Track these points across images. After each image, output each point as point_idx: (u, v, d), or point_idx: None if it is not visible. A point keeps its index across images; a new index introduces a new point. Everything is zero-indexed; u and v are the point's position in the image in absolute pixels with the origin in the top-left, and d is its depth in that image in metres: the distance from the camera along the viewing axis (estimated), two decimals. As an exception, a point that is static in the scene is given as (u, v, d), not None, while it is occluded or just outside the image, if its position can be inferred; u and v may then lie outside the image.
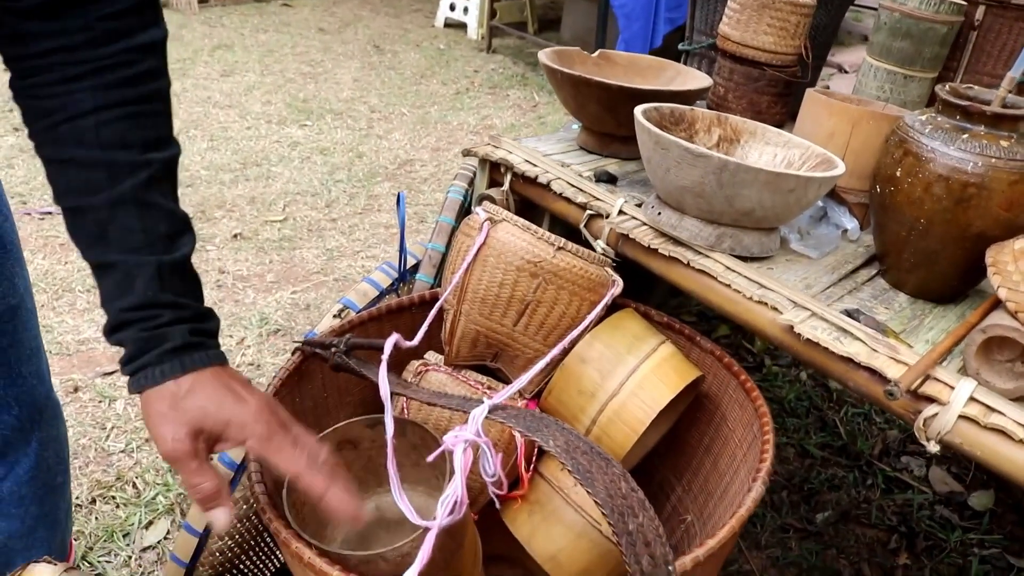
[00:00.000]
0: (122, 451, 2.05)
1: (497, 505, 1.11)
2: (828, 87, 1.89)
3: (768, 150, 1.19)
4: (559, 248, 1.06)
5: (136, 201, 0.77)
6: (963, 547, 1.94)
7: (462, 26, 5.62)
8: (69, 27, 0.72)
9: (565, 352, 1.10)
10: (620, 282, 1.12)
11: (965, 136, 1.02)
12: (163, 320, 0.78)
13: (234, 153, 3.60)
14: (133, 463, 2.02)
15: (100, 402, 2.16)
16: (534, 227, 1.07)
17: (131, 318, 0.78)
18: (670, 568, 0.83)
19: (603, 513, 0.83)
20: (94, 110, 0.74)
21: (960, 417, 0.88)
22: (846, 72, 4.60)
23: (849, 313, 1.03)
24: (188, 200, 3.12)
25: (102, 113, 0.74)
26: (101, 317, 2.42)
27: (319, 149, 3.72)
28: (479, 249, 1.07)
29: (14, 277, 1.04)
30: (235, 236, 2.93)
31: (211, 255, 2.79)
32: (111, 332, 0.79)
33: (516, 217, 1.08)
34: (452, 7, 5.63)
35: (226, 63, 4.72)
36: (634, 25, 3.90)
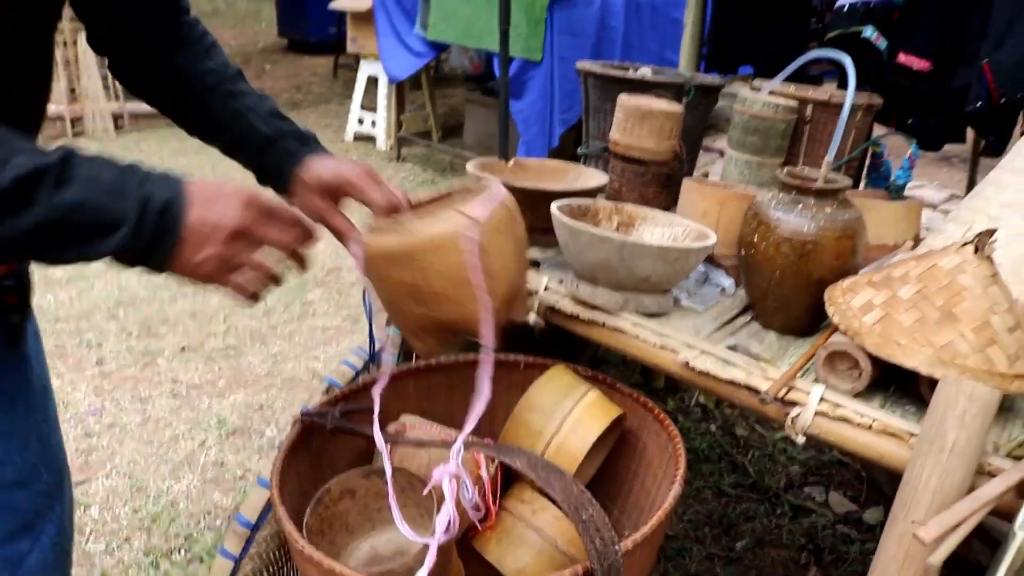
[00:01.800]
0: (103, 551, 2.21)
1: (470, 534, 1.36)
2: (707, 174, 2.25)
3: (657, 229, 1.51)
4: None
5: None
6: (862, 556, 2.24)
7: (371, 139, 5.96)
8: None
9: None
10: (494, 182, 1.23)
11: (800, 207, 1.35)
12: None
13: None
14: (115, 561, 2.18)
15: (76, 509, 2.32)
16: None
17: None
18: (616, 548, 1.09)
19: (562, 509, 1.10)
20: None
21: (816, 413, 1.19)
22: (721, 155, 5.08)
23: (732, 347, 1.34)
24: (131, 318, 3.31)
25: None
26: (70, 426, 2.58)
27: (250, 263, 3.94)
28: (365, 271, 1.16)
29: (44, 360, 1.27)
30: (183, 348, 3.12)
31: (162, 367, 2.98)
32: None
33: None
34: (360, 121, 5.99)
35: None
36: (532, 128, 4.30)
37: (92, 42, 1.21)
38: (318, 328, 3.32)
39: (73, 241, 0.81)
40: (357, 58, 5.98)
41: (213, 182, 0.89)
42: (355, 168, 1.16)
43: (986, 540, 1.32)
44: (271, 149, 1.18)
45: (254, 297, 0.94)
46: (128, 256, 0.84)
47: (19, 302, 1.11)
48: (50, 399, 1.28)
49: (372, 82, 5.79)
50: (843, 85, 1.71)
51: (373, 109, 5.82)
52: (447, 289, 1.07)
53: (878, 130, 2.45)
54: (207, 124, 1.21)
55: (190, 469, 2.45)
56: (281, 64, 8.88)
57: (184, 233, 0.85)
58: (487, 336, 1.09)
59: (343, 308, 3.50)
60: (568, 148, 5.24)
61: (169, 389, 2.85)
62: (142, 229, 0.83)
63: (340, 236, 1.18)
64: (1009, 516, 0.99)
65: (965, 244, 1.23)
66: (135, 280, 3.69)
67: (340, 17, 7.03)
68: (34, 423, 1.19)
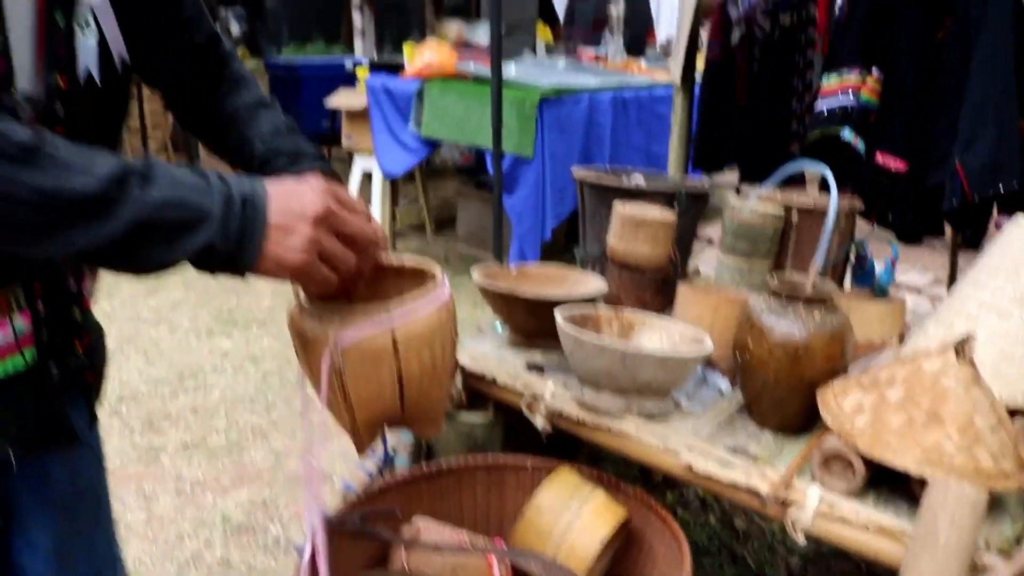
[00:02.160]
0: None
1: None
2: (698, 270, 2.34)
3: (655, 334, 1.59)
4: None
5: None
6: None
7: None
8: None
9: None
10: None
11: (791, 313, 1.44)
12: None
13: (169, 367, 3.86)
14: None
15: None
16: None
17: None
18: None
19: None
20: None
21: (814, 514, 1.25)
22: (710, 243, 5.21)
23: (730, 450, 1.41)
24: (134, 414, 3.35)
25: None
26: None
27: (249, 357, 4.01)
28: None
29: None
30: (185, 445, 3.16)
31: (166, 464, 3.01)
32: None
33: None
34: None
35: (151, 281, 5.01)
36: (525, 223, 4.42)
37: (146, 80, 1.30)
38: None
39: (160, 241, 0.83)
40: (351, 153, 6.13)
41: (290, 179, 0.94)
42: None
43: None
44: (263, 169, 1.20)
45: (335, 285, 0.95)
46: (214, 256, 0.86)
47: (95, 380, 1.17)
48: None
49: (366, 177, 5.93)
50: (825, 187, 1.82)
51: (367, 203, 5.95)
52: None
53: (861, 226, 2.56)
54: (227, 152, 1.28)
55: (196, 568, 2.46)
56: (275, 157, 9.06)
57: (270, 223, 0.87)
58: (308, 444, 1.13)
59: (343, 402, 3.55)
60: (559, 239, 5.37)
61: (173, 486, 2.88)
62: (228, 223, 0.85)
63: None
64: (1000, 612, 1.05)
65: (947, 348, 1.31)
66: (136, 375, 3.74)
67: (332, 112, 7.22)
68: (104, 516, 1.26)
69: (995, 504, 1.26)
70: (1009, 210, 2.31)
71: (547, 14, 6.86)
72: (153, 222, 0.82)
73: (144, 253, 0.84)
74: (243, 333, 4.32)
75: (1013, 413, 1.36)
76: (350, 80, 8.79)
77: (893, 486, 1.30)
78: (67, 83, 0.99)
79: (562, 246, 5.56)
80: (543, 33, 6.78)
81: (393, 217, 5.73)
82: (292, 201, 0.89)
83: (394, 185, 5.69)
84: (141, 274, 0.87)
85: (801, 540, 1.26)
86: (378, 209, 5.85)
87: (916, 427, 1.24)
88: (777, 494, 1.27)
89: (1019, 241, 1.57)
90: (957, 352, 1.29)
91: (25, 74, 0.94)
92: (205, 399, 3.55)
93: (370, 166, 5.75)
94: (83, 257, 0.85)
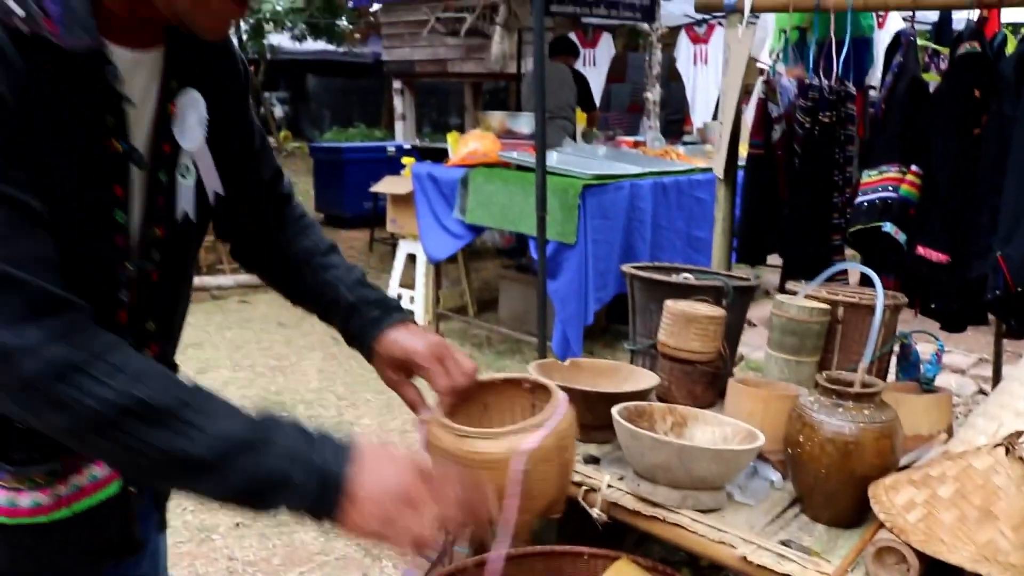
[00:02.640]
0: None
1: None
2: (742, 354, 2.39)
3: (708, 429, 1.64)
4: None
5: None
6: None
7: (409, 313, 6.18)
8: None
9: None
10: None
11: (840, 409, 1.49)
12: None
13: (220, 451, 3.94)
14: None
15: None
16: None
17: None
18: None
19: None
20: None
21: (869, 609, 1.28)
22: (754, 326, 5.25)
23: (784, 543, 1.45)
24: (187, 494, 3.42)
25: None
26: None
27: (297, 440, 4.08)
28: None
29: None
30: (237, 524, 3.22)
31: (217, 543, 3.08)
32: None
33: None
34: (399, 296, 6.23)
35: (199, 360, 5.14)
36: (569, 307, 4.50)
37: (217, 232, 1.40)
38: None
39: (257, 500, 0.95)
40: (392, 235, 6.26)
41: (381, 447, 1.01)
42: (425, 347, 1.26)
43: None
44: (354, 316, 1.29)
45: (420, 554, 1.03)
46: (301, 512, 0.96)
47: (169, 493, 1.29)
48: None
49: (410, 259, 6.07)
50: (866, 281, 1.88)
51: (410, 285, 6.08)
52: None
53: (905, 314, 2.61)
54: (303, 293, 1.36)
55: (248, 651, 2.51)
56: (319, 238, 9.28)
57: (356, 497, 0.95)
58: (503, 542, 1.19)
59: (390, 485, 3.60)
60: (600, 320, 5.43)
61: (225, 566, 2.93)
62: (321, 498, 0.95)
63: (411, 407, 1.31)
64: None
65: (997, 445, 1.36)
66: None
67: (375, 195, 7.41)
68: None
69: (1049, 601, 1.28)
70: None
71: (584, 100, 7.05)
72: (257, 489, 0.94)
73: (241, 502, 0.96)
74: (291, 413, 4.39)
75: (1063, 510, 1.40)
76: (391, 163, 9.05)
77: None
78: (164, 231, 1.11)
79: (603, 327, 5.62)
80: (581, 119, 6.97)
81: (436, 300, 5.84)
82: (378, 480, 0.97)
83: (437, 267, 5.81)
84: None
85: (857, 634, 1.29)
86: (421, 292, 5.97)
87: (969, 524, 1.28)
88: (833, 588, 1.31)
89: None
90: (1007, 450, 1.33)
91: (133, 240, 1.07)
92: (255, 481, 3.62)
93: (414, 249, 5.90)
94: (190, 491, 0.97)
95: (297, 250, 1.36)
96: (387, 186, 6.22)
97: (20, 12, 0.87)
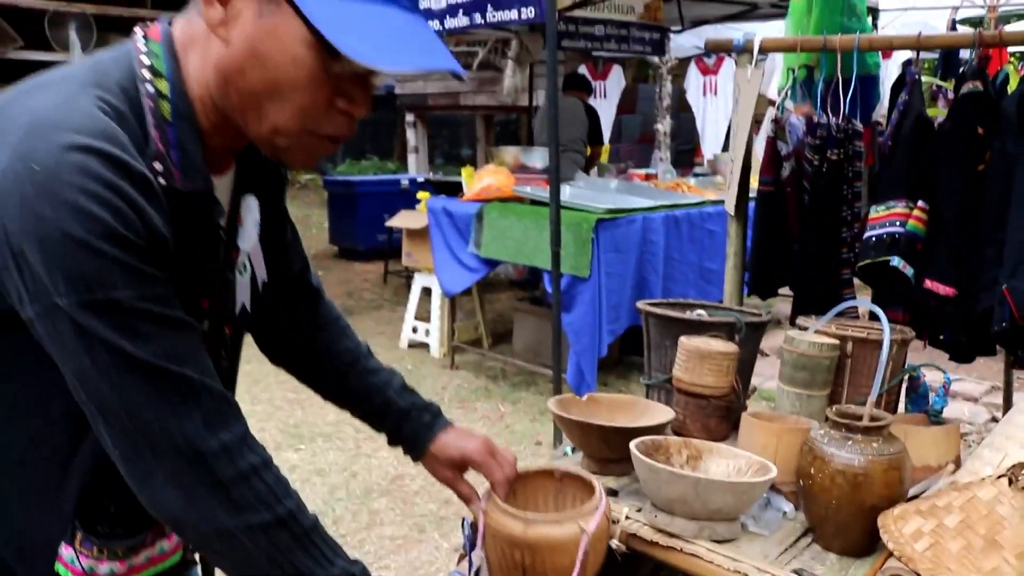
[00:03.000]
0: None
1: None
2: (754, 386, 2.44)
3: (723, 461, 1.70)
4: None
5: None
6: None
7: (425, 346, 6.26)
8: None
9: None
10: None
11: (850, 443, 1.55)
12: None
13: (241, 484, 4.00)
14: None
15: None
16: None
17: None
18: None
19: None
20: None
21: (880, 636, 1.33)
22: (767, 355, 5.30)
23: (796, 571, 1.50)
24: None
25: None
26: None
27: (316, 471, 4.15)
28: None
29: None
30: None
31: None
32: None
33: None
34: (415, 329, 6.30)
35: (219, 398, 5.20)
36: (583, 339, 4.56)
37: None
38: (386, 537, 3.47)
39: None
40: (407, 268, 6.34)
41: None
42: (477, 446, 1.42)
43: None
44: (406, 421, 1.41)
45: None
46: None
47: None
48: None
49: (425, 292, 6.15)
50: (875, 315, 1.94)
51: (425, 318, 6.15)
52: (548, 574, 1.37)
53: (915, 346, 2.67)
54: (346, 395, 1.43)
55: None
56: (333, 270, 9.37)
57: None
58: None
59: (409, 517, 3.65)
60: (613, 352, 5.49)
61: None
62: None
63: (465, 500, 1.43)
64: None
65: (1000, 476, 1.41)
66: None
67: (389, 228, 7.51)
68: None
69: (1053, 628, 1.33)
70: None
71: (593, 134, 7.15)
72: None
73: None
74: (309, 446, 4.47)
75: (1067, 539, 1.44)
76: (405, 196, 9.17)
77: (955, 609, 1.38)
78: (231, 329, 1.21)
79: (617, 359, 5.68)
80: (593, 153, 7.07)
81: (452, 333, 5.91)
82: None
83: (452, 300, 5.89)
84: None
85: (869, 661, 1.34)
86: (437, 325, 6.05)
87: (975, 552, 1.33)
88: (845, 616, 1.36)
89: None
90: (1010, 480, 1.39)
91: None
92: (276, 514, 3.67)
93: (429, 282, 5.98)
94: None
95: (340, 351, 1.43)
96: (402, 220, 6.32)
97: (160, 168, 0.98)
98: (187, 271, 1.03)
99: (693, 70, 10.54)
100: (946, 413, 2.09)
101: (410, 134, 13.43)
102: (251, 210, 1.20)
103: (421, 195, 6.07)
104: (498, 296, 7.81)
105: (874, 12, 7.17)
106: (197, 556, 1.29)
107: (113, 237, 0.90)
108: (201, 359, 0.99)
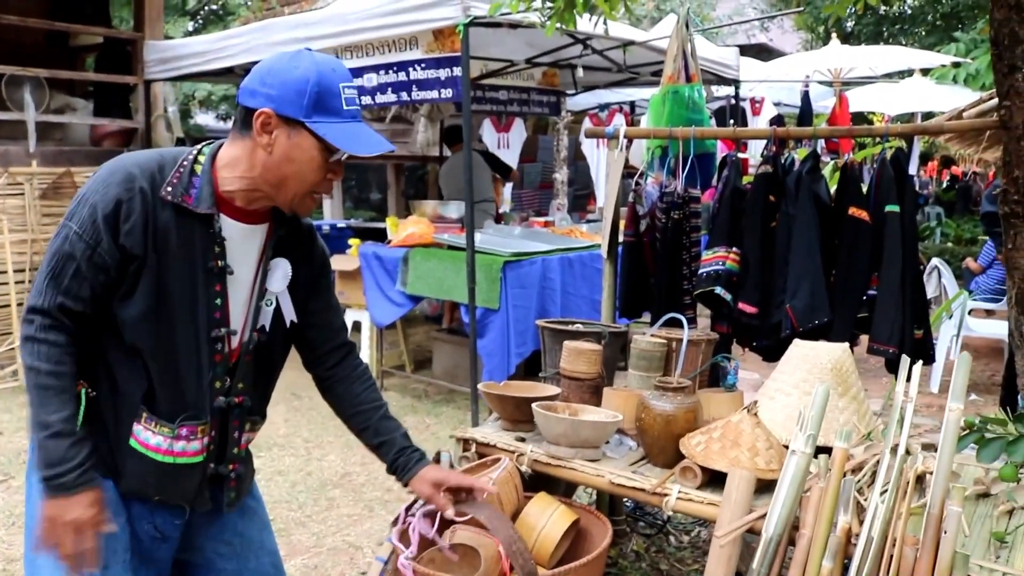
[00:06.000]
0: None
1: None
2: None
3: (590, 415, 2.70)
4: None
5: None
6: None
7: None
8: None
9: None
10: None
11: (665, 397, 2.57)
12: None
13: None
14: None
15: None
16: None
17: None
18: (532, 564, 2.21)
19: (502, 543, 2.22)
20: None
21: (677, 499, 2.35)
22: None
23: (634, 472, 2.51)
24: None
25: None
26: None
27: (277, 472, 5.00)
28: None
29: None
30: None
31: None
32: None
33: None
34: (345, 358, 7.17)
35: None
36: (494, 360, 5.55)
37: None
38: (344, 515, 4.35)
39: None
40: (344, 307, 7.21)
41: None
42: (449, 474, 2.19)
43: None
44: (403, 456, 2.13)
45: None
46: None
47: (237, 484, 2.03)
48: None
49: (355, 326, 7.05)
50: (714, 319, 2.98)
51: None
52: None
53: (735, 350, 3.75)
54: (364, 427, 2.15)
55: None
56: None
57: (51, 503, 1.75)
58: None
59: (360, 501, 4.54)
60: (520, 372, 6.48)
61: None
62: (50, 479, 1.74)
63: (440, 507, 2.15)
64: (757, 532, 2.14)
65: (745, 408, 2.45)
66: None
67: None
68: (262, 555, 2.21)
69: (766, 487, 2.36)
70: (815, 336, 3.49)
71: (499, 168, 8.16)
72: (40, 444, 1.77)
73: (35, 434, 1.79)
74: (267, 454, 5.30)
75: (786, 446, 2.49)
76: (327, 241, 9.99)
77: (717, 480, 2.39)
78: (259, 334, 1.97)
79: (523, 378, 6.67)
80: (498, 200, 8.11)
81: (380, 360, 6.83)
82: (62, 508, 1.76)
83: (380, 332, 6.80)
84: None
85: (668, 512, 2.34)
86: (367, 353, 6.95)
87: (726, 449, 2.36)
88: (656, 490, 2.37)
89: (795, 351, 2.74)
90: (748, 410, 2.43)
91: (247, 328, 1.97)
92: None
93: (359, 317, 6.89)
94: None
95: (360, 395, 2.15)
96: (336, 263, 7.22)
97: (170, 191, 1.79)
98: (191, 260, 1.81)
99: (587, 124, 11.68)
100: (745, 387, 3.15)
101: (324, 181, 14.21)
102: (279, 266, 1.95)
103: (352, 241, 6.98)
104: (416, 329, 8.74)
105: (736, 83, 8.43)
106: (232, 473, 1.97)
107: (95, 208, 1.74)
108: (68, 285, 1.75)
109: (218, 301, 1.87)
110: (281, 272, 1.96)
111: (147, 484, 1.89)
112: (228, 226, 1.86)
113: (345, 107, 1.79)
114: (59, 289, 1.75)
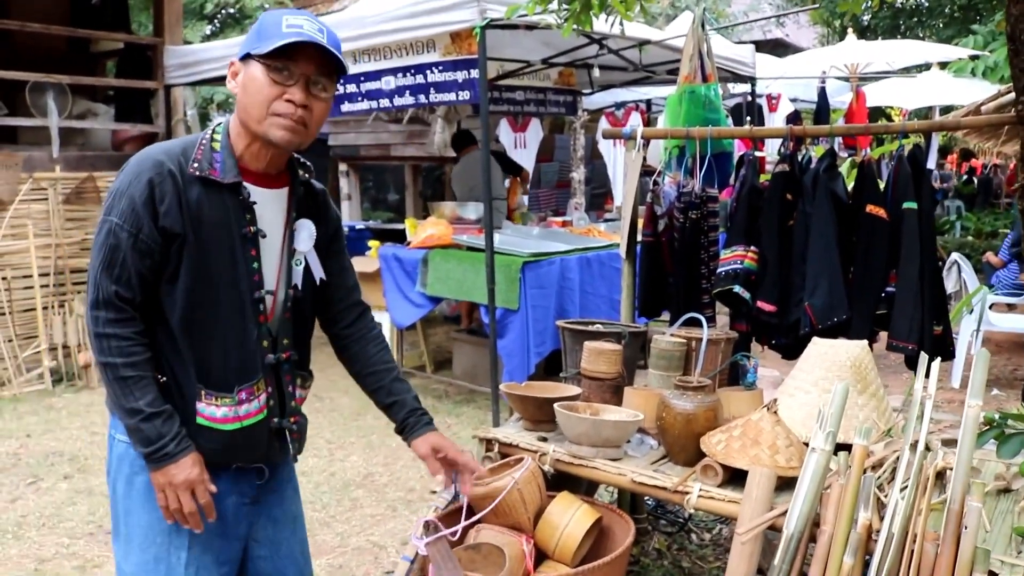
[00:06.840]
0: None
1: None
2: (634, 381, 3.47)
3: (612, 415, 2.73)
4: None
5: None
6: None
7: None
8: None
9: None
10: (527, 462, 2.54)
11: (686, 396, 2.59)
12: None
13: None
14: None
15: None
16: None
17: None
18: None
19: None
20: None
21: (699, 496, 2.37)
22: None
23: (655, 471, 2.54)
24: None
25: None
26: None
27: (301, 473, 5.01)
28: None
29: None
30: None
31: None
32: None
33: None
34: (366, 359, 7.23)
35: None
36: (514, 360, 5.59)
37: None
38: (367, 515, 4.40)
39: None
40: (362, 308, 7.27)
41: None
42: (450, 445, 2.26)
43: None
44: (412, 416, 2.24)
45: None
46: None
47: (298, 437, 2.15)
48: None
49: (376, 327, 7.11)
50: (733, 319, 2.99)
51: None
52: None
53: (755, 348, 3.77)
54: (377, 387, 2.26)
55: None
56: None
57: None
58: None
59: (383, 501, 4.59)
60: (539, 372, 6.51)
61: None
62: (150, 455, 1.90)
63: (434, 472, 2.28)
64: (778, 529, 2.16)
65: (766, 407, 2.48)
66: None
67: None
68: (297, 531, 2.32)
69: (786, 484, 2.38)
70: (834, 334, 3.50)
71: (510, 168, 8.20)
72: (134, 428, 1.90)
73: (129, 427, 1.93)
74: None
75: (806, 443, 2.51)
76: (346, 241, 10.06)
77: (739, 478, 2.42)
78: (293, 292, 2.11)
79: (542, 378, 6.71)
80: (513, 200, 8.15)
81: (400, 361, 6.88)
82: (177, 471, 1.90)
83: (400, 334, 6.86)
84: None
85: (690, 510, 2.37)
86: (388, 354, 7.00)
87: (747, 447, 2.38)
88: (677, 488, 2.40)
89: (814, 349, 2.76)
90: (768, 408, 2.45)
91: (281, 287, 2.08)
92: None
93: (380, 318, 6.93)
94: None
95: (374, 356, 2.27)
96: (356, 265, 7.26)
97: (196, 166, 1.90)
98: (224, 226, 1.91)
99: (604, 122, 11.70)
100: (766, 386, 3.17)
101: (343, 182, 14.32)
102: (305, 227, 2.06)
103: (372, 243, 7.04)
104: (436, 330, 8.79)
105: (752, 80, 8.42)
106: (293, 425, 2.08)
107: (132, 197, 1.85)
108: (119, 273, 1.86)
109: (255, 265, 1.98)
110: (307, 232, 2.08)
111: (224, 454, 2.01)
112: (254, 193, 1.98)
113: (285, 29, 1.88)
114: (112, 278, 1.87)
